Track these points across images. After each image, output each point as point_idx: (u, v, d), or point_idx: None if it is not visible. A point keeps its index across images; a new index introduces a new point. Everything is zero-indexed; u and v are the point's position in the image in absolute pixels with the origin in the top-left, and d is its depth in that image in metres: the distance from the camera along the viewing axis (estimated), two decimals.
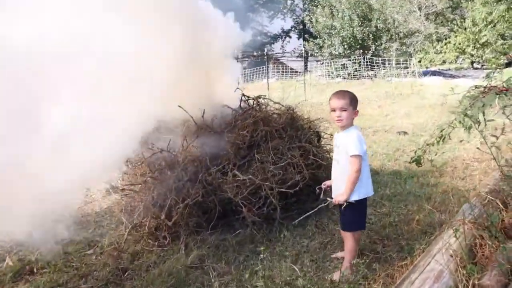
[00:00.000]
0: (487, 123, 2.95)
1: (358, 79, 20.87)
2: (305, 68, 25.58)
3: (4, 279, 3.28)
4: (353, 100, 2.69)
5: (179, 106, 3.70)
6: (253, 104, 4.22)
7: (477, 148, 4.36)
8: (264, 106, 4.26)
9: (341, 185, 2.74)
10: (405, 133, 7.69)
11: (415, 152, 3.16)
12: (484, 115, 2.93)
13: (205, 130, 3.83)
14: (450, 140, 3.29)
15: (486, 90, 2.91)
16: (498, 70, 3.39)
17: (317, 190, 2.99)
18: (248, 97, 4.23)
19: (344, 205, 2.67)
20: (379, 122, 9.19)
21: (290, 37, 48.10)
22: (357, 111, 2.73)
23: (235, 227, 3.73)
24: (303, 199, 4.09)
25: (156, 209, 3.68)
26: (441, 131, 2.98)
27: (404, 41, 22.82)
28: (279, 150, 3.83)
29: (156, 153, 3.63)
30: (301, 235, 3.62)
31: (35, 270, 3.40)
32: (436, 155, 3.84)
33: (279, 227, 3.70)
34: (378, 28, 21.55)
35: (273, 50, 33.60)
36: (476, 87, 3.09)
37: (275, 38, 48.74)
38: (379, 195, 4.43)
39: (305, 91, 14.24)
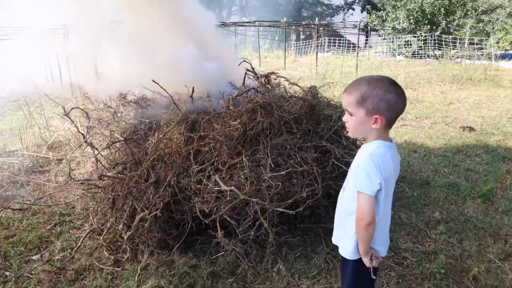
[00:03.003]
0: None
1: (421, 58, 18.65)
2: (365, 43, 23.49)
3: None
4: (366, 99, 1.48)
5: (153, 81, 2.75)
6: (262, 83, 3.14)
7: None
8: (276, 87, 3.16)
9: (340, 226, 1.72)
10: (471, 129, 6.21)
11: (484, 183, 1.96)
12: None
13: (187, 116, 2.84)
14: None
15: None
16: None
17: None
18: (255, 73, 3.15)
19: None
20: (440, 112, 7.66)
21: (353, 9, 45.20)
22: (379, 118, 1.49)
23: (216, 247, 2.78)
24: (317, 214, 3.04)
25: (117, 214, 2.81)
26: None
27: (482, 17, 19.96)
28: (285, 151, 2.77)
29: (119, 141, 2.72)
30: (302, 273, 2.60)
31: None
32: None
33: (273, 256, 2.70)
34: (453, 1, 18.94)
35: (332, 22, 31.25)
36: None
37: (337, 9, 46.04)
38: (424, 219, 3.26)
39: (356, 68, 12.69)
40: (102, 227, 2.95)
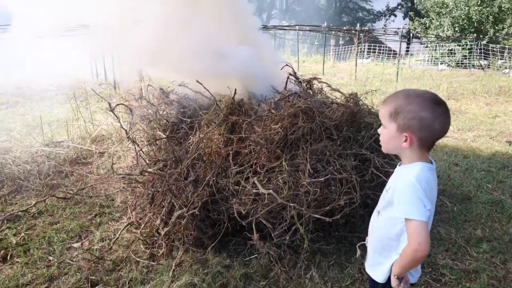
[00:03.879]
0: None
1: (466, 68, 17.98)
2: (406, 51, 22.93)
3: None
4: (399, 114, 1.36)
5: (198, 81, 2.80)
6: (303, 88, 3.14)
7: None
8: (317, 92, 3.15)
9: (377, 253, 1.60)
10: None
11: None
12: None
13: (229, 116, 2.88)
14: None
15: None
16: None
17: (358, 250, 1.92)
18: (297, 77, 3.15)
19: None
20: (484, 124, 7.35)
21: (395, 15, 44.20)
22: (409, 137, 1.36)
23: (250, 249, 2.80)
24: (353, 223, 3.00)
25: (155, 209, 2.89)
26: None
27: None
28: (324, 157, 2.75)
29: (161, 139, 2.79)
30: (335, 281, 2.57)
31: (9, 257, 2.87)
32: None
33: (306, 262, 2.68)
34: (502, 8, 18.11)
35: (374, 29, 30.70)
36: None
37: (378, 16, 45.17)
38: (465, 235, 3.14)
39: (397, 76, 12.39)
40: (139, 221, 3.03)
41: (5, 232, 3.18)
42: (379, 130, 1.49)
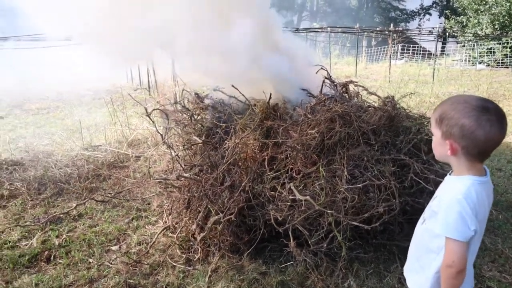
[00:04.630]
0: None
1: (507, 67, 17.18)
2: (442, 51, 22.19)
3: (20, 261, 2.92)
4: (443, 120, 1.31)
5: (233, 86, 2.81)
6: (339, 91, 3.08)
7: None
8: (354, 96, 3.08)
9: (414, 258, 1.55)
10: None
11: None
12: None
13: (265, 120, 2.86)
14: None
15: None
16: None
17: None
18: (333, 81, 3.10)
19: None
20: None
21: (430, 14, 42.97)
22: (453, 145, 1.30)
23: (286, 256, 2.76)
24: (391, 230, 2.91)
25: (191, 214, 2.91)
26: None
27: None
28: (362, 162, 2.68)
29: (197, 144, 2.81)
30: None
31: (52, 258, 2.98)
32: None
33: (344, 271, 2.62)
34: None
35: (407, 29, 29.87)
36: None
37: (412, 15, 44.04)
38: None
39: (433, 77, 11.99)
40: (175, 225, 3.06)
41: (48, 234, 3.29)
42: (433, 137, 1.43)
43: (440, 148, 1.36)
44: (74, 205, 3.64)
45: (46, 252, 3.02)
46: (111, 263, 2.87)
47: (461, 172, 1.35)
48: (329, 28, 18.40)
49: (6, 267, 2.85)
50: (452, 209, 1.28)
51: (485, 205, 1.34)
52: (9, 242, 3.17)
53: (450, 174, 1.43)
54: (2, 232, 3.33)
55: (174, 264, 2.80)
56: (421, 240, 1.51)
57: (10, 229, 3.37)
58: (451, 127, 1.29)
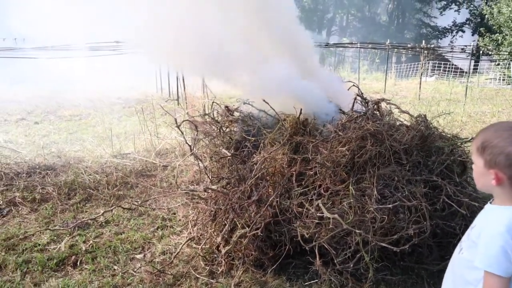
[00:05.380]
0: None
1: None
2: (474, 69, 21.66)
3: (48, 264, 2.99)
4: (485, 148, 1.26)
5: (264, 101, 2.81)
6: (371, 109, 3.04)
7: None
8: (386, 115, 3.03)
9: None
10: None
11: None
12: None
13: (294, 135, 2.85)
14: None
15: None
16: None
17: None
18: (364, 98, 3.06)
19: None
20: None
21: (463, 31, 42.05)
22: (497, 174, 1.24)
23: (311, 274, 2.71)
24: (420, 253, 2.81)
25: (216, 226, 2.91)
26: None
27: None
28: (392, 182, 2.62)
29: (226, 157, 2.82)
30: None
31: (78, 263, 3.03)
32: None
33: None
34: None
35: (439, 46, 29.35)
36: None
37: (443, 32, 43.27)
38: None
39: (465, 96, 11.68)
40: (200, 237, 3.06)
41: (76, 239, 3.36)
42: (473, 166, 1.37)
43: (483, 178, 1.30)
44: (102, 211, 3.70)
45: (73, 257, 3.07)
46: (135, 271, 2.90)
47: (504, 202, 1.28)
48: (358, 44, 18.29)
49: (35, 269, 2.92)
50: (494, 242, 1.22)
51: None
52: (39, 245, 3.25)
53: (491, 203, 1.35)
54: (33, 235, 3.42)
55: (198, 275, 2.79)
56: (458, 271, 1.43)
57: (40, 232, 3.46)
58: (495, 155, 1.23)
